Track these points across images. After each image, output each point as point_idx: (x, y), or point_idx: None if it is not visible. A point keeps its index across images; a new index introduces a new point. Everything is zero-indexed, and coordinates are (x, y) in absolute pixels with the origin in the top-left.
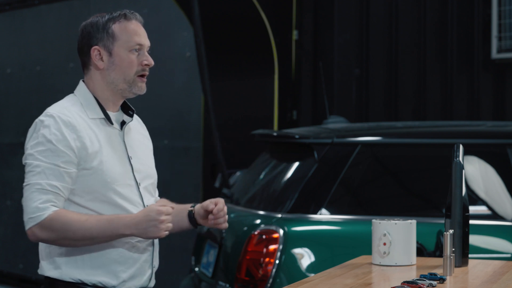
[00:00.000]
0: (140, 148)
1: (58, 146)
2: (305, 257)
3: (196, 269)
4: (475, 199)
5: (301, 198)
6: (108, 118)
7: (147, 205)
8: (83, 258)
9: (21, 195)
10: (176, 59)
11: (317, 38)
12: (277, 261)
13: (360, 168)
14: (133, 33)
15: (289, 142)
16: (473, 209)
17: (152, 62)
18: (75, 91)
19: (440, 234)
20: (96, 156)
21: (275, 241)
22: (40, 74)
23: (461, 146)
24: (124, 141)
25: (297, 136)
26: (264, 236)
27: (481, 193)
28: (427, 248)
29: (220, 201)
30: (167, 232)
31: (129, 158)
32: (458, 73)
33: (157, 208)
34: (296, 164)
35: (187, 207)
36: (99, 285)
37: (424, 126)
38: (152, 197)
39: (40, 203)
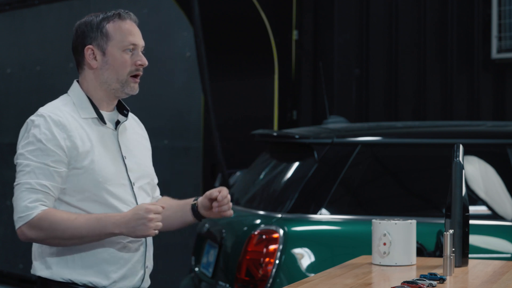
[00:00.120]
0: (136, 147)
1: (48, 146)
2: (305, 257)
3: (196, 269)
4: (475, 199)
5: (301, 198)
6: (101, 118)
7: None
8: (74, 258)
9: None
10: (176, 59)
11: (317, 38)
12: (277, 261)
13: (360, 168)
14: (127, 32)
15: (289, 142)
16: (473, 209)
17: (146, 62)
18: (68, 91)
19: (440, 234)
20: (87, 156)
21: (275, 241)
22: (40, 74)
23: (461, 146)
24: (118, 141)
25: (297, 136)
26: (264, 236)
27: (481, 193)
28: (427, 248)
29: (224, 188)
30: (156, 231)
31: (123, 158)
32: (458, 73)
33: (146, 206)
34: (296, 164)
35: (190, 201)
36: (90, 285)
37: (424, 126)
38: (148, 197)
39: (29, 202)
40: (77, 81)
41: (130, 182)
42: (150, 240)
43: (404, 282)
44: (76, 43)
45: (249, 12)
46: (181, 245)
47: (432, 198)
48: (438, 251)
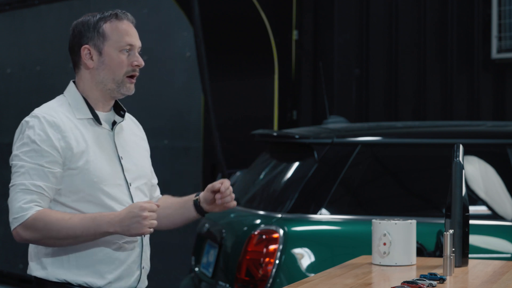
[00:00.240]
0: (133, 148)
1: (42, 146)
2: (305, 257)
3: (196, 269)
4: (475, 199)
5: (301, 198)
6: (96, 118)
7: None
8: (69, 259)
9: None
10: (176, 59)
11: (317, 38)
12: (277, 261)
13: (360, 168)
14: (124, 33)
15: (289, 142)
16: (473, 209)
17: (142, 63)
18: (64, 92)
19: (440, 234)
20: (82, 156)
21: (275, 241)
22: (40, 74)
23: (461, 146)
24: (114, 141)
25: (297, 136)
26: (264, 236)
27: (481, 193)
28: (427, 248)
29: (226, 180)
30: (151, 230)
31: (119, 158)
32: (458, 73)
33: (140, 204)
34: (296, 164)
35: (192, 197)
36: (85, 285)
37: (424, 126)
38: (145, 198)
39: (24, 203)
40: (73, 82)
41: (127, 182)
42: (146, 240)
43: (404, 282)
44: (72, 43)
45: (249, 12)
46: (181, 245)
47: (432, 198)
48: (438, 251)
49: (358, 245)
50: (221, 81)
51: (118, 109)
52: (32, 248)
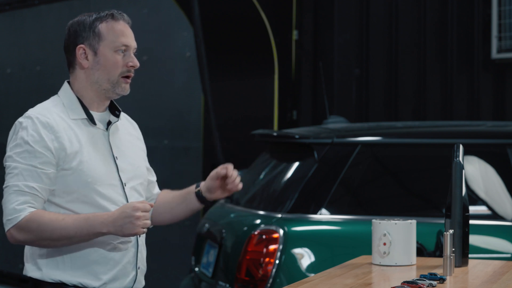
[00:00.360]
0: (129, 148)
1: (35, 147)
2: (305, 257)
3: (196, 269)
4: (475, 199)
5: (301, 198)
6: (90, 119)
7: None
8: (64, 260)
9: None
10: (176, 59)
11: (317, 38)
12: (277, 261)
13: (360, 168)
14: (120, 33)
15: (289, 142)
16: (473, 209)
17: (137, 64)
18: (59, 92)
19: (440, 234)
20: (76, 157)
21: (275, 241)
22: (40, 74)
23: (461, 146)
24: (109, 141)
25: (297, 136)
26: (264, 236)
27: (481, 193)
28: (427, 248)
29: (228, 164)
30: (144, 230)
31: (114, 158)
32: (458, 73)
33: (133, 204)
34: (296, 164)
35: (192, 189)
36: (80, 286)
37: (424, 126)
38: (141, 198)
39: (17, 204)
40: (68, 82)
41: (122, 182)
42: (142, 240)
43: (404, 282)
44: (68, 42)
45: (249, 12)
46: (180, 245)
47: (432, 198)
48: (438, 251)
49: (358, 245)
50: (221, 81)
51: (113, 109)
52: (27, 249)
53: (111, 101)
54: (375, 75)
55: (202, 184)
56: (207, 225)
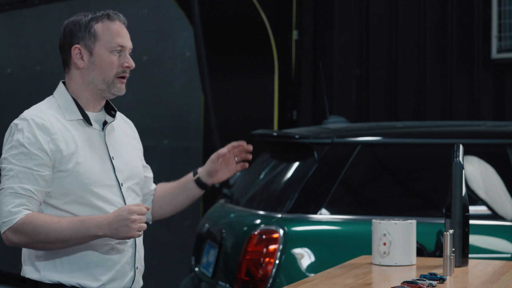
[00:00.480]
0: (125, 148)
1: (31, 149)
2: (305, 257)
3: (196, 269)
4: (475, 199)
5: (301, 198)
6: (86, 119)
7: None
8: (62, 261)
9: None
10: (176, 59)
11: (317, 38)
12: (277, 261)
13: (360, 168)
14: (116, 34)
15: (289, 142)
16: (473, 209)
17: (132, 65)
18: (54, 93)
19: (440, 234)
20: (72, 158)
21: (275, 241)
22: (40, 74)
23: (461, 146)
24: (105, 142)
25: (297, 136)
26: (264, 236)
27: (481, 193)
28: (427, 248)
29: (230, 144)
30: (140, 233)
31: (110, 158)
32: (458, 73)
33: (129, 207)
34: (296, 164)
35: (190, 177)
36: (78, 287)
37: (424, 126)
38: (138, 197)
39: (13, 207)
40: (63, 82)
41: (118, 182)
42: (140, 240)
43: (404, 282)
44: (63, 42)
45: (249, 12)
46: (180, 245)
47: (432, 198)
48: (438, 251)
49: (358, 245)
50: (221, 81)
51: (109, 109)
52: (25, 251)
53: (107, 101)
54: (375, 75)
55: (200, 170)
56: (207, 225)
